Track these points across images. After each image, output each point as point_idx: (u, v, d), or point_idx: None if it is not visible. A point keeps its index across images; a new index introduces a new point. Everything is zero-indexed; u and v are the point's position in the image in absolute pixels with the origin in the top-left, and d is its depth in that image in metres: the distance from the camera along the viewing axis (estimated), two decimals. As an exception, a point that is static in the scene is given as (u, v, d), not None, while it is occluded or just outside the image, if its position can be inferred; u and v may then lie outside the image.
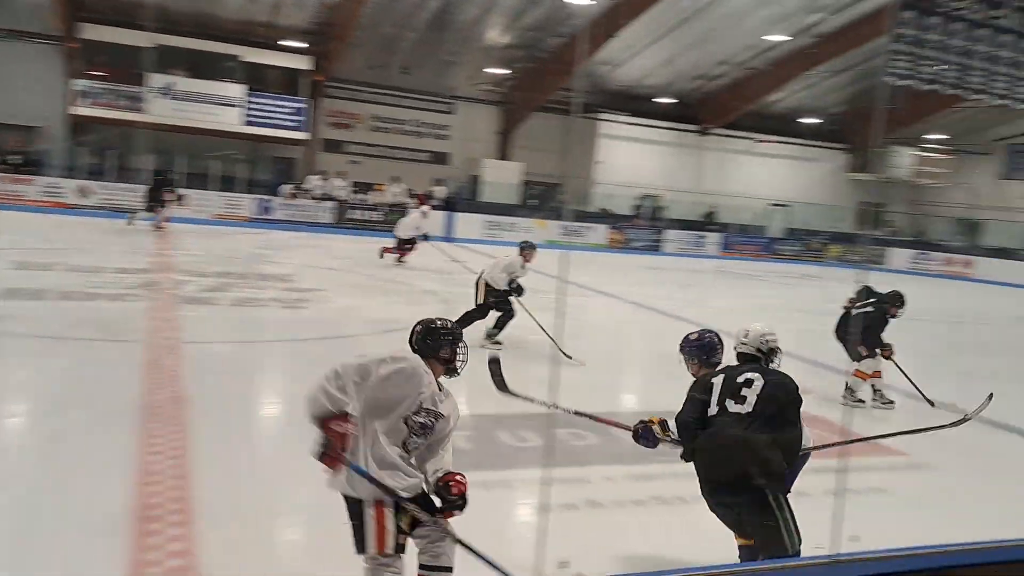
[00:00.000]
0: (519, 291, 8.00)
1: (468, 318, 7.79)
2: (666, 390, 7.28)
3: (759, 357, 3.47)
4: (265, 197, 19.58)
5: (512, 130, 23.98)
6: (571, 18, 19.59)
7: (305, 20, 19.85)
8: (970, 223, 26.19)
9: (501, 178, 23.12)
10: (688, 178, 25.62)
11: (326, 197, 20.18)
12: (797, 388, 3.25)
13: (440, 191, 21.60)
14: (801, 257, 24.60)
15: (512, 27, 20.54)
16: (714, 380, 3.30)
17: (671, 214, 24.68)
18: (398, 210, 20.49)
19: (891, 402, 7.01)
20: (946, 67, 11.96)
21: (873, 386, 7.00)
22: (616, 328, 10.11)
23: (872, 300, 7.07)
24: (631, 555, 3.93)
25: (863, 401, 6.88)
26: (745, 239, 24.90)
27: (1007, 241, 24.18)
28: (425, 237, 14.22)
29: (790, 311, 13.75)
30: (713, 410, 3.22)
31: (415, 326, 3.09)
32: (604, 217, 23.23)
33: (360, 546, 2.83)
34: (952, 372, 7.16)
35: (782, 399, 3.19)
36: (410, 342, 3.05)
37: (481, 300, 7.96)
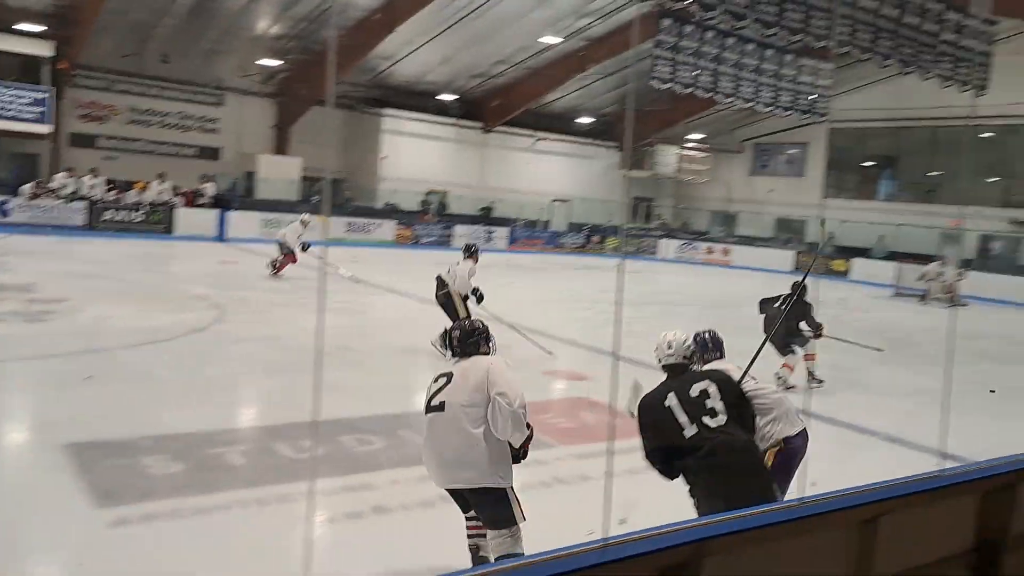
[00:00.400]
0: (480, 298, 8.32)
1: None
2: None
3: (685, 364, 3.52)
4: (1, 198, 17.24)
5: (289, 124, 22.98)
6: (346, 10, 19.09)
7: (42, 1, 17.70)
8: (726, 215, 28.99)
9: (278, 174, 22.04)
10: (473, 174, 26.02)
11: (75, 197, 18.13)
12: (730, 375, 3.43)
13: (209, 188, 20.20)
14: (582, 249, 25.88)
15: (282, 17, 19.63)
16: (668, 404, 3.21)
17: (458, 210, 24.93)
18: (162, 209, 18.98)
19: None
20: (700, 72, 13.01)
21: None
22: (405, 325, 9.96)
23: (791, 296, 7.61)
24: (417, 559, 3.79)
25: (822, 381, 7.63)
26: (531, 233, 25.75)
27: (756, 231, 27.07)
28: (304, 247, 12.99)
29: (574, 301, 14.36)
30: (691, 431, 3.13)
31: (452, 332, 3.54)
32: (391, 213, 22.97)
33: (509, 522, 3.24)
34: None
35: (737, 393, 3.29)
36: (450, 346, 3.48)
37: (464, 312, 8.14)
